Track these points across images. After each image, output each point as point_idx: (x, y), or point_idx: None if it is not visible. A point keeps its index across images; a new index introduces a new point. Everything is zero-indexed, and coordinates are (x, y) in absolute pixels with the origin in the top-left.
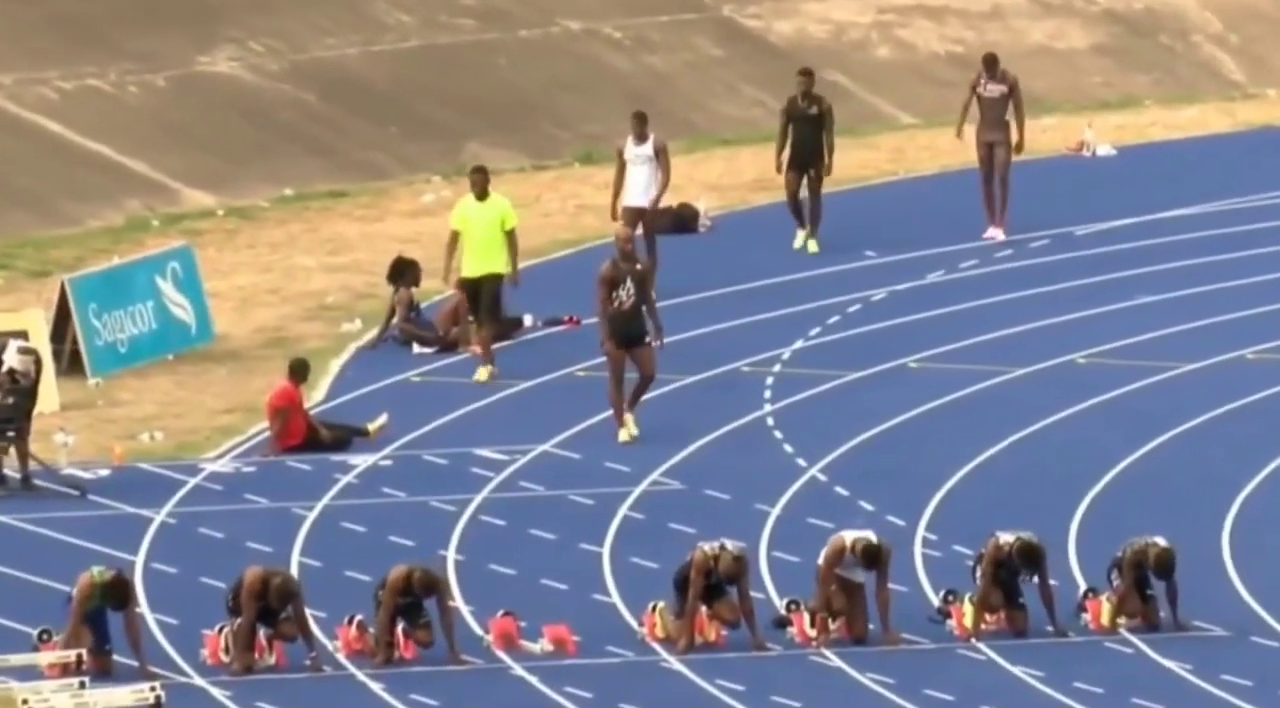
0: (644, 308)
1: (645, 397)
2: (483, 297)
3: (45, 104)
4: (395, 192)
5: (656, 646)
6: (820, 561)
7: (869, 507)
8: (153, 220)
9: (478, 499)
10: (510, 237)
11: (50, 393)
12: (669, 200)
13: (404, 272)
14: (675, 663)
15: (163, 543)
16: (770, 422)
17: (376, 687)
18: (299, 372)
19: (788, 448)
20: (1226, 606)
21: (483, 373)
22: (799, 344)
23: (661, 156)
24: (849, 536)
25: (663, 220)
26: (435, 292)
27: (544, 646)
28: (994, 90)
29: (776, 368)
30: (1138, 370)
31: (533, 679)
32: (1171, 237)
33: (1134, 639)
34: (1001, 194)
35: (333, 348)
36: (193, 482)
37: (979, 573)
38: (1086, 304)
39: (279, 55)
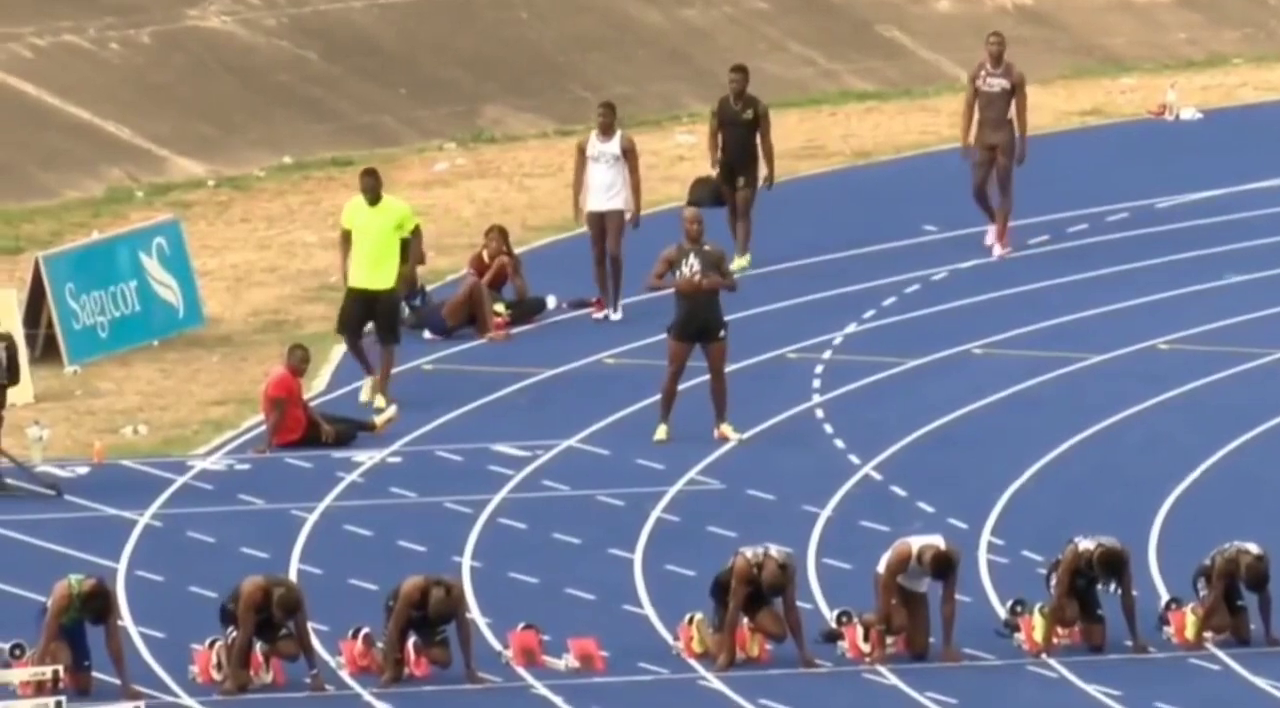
0: (718, 295)
1: (680, 388)
2: (378, 314)
3: (17, 63)
4: (405, 160)
5: (693, 662)
6: (880, 568)
7: (928, 508)
8: (136, 191)
9: (496, 500)
10: (409, 243)
11: (23, 382)
12: (709, 169)
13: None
14: (714, 681)
15: (147, 548)
16: (819, 414)
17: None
18: (298, 359)
19: (839, 443)
20: None
21: (375, 397)
22: (851, 329)
23: (629, 157)
24: (915, 542)
25: (700, 192)
26: (449, 270)
27: (569, 662)
28: (995, 84)
29: (826, 355)
30: (1226, 358)
31: (556, 699)
32: (1262, 210)
33: (1222, 655)
34: (1004, 206)
35: (335, 333)
36: (180, 480)
37: (1053, 582)
38: (1169, 285)
39: (276, 9)
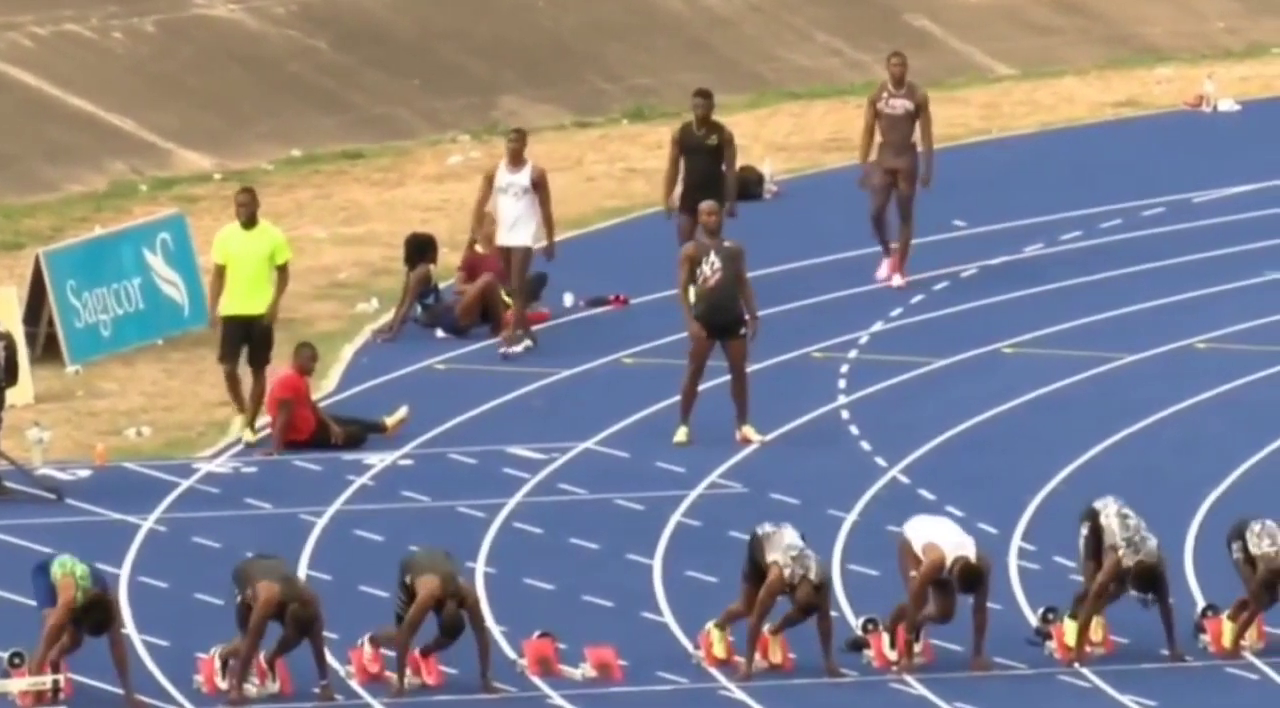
0: (737, 291)
1: (701, 388)
2: (253, 343)
3: (18, 53)
4: (418, 153)
5: (714, 670)
6: (912, 572)
7: (958, 512)
8: (140, 185)
9: (511, 504)
10: (282, 272)
11: (23, 383)
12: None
13: (423, 251)
14: (736, 691)
15: (151, 553)
16: (845, 415)
17: None
18: (305, 358)
19: (865, 445)
20: None
21: (246, 432)
22: (878, 327)
23: (541, 190)
24: (946, 547)
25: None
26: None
27: (586, 671)
28: (898, 107)
29: (852, 354)
30: (1265, 357)
31: None
32: None
33: (1260, 664)
34: (904, 235)
35: (345, 331)
36: (185, 484)
37: (1093, 590)
38: (1206, 281)
39: None
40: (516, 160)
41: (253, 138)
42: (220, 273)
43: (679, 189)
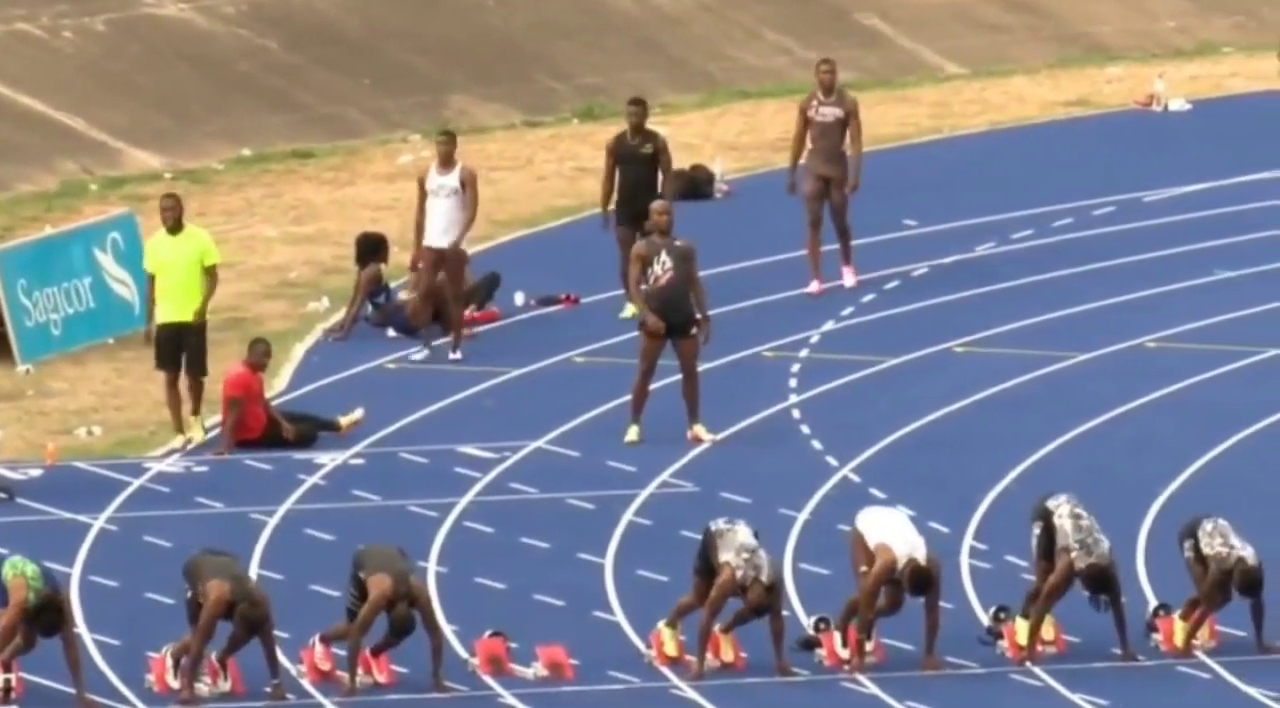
0: (688, 290)
1: (652, 387)
2: (187, 349)
3: None
4: (368, 152)
5: (665, 670)
6: (863, 568)
7: (909, 512)
8: (91, 184)
9: (462, 503)
10: (210, 275)
11: None
12: (683, 161)
13: (374, 250)
14: (687, 690)
15: (102, 553)
16: (796, 414)
17: None
18: (259, 354)
19: (816, 444)
20: None
21: (196, 429)
22: (829, 326)
23: (469, 189)
24: (898, 549)
25: (675, 185)
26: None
27: (537, 670)
28: (828, 114)
29: (803, 353)
30: (1215, 356)
31: None
32: (1253, 203)
33: (1211, 663)
34: (843, 241)
35: (296, 330)
36: (136, 483)
37: (1045, 590)
38: (1157, 281)
39: None
40: (447, 162)
41: (203, 137)
42: (152, 283)
43: (615, 199)
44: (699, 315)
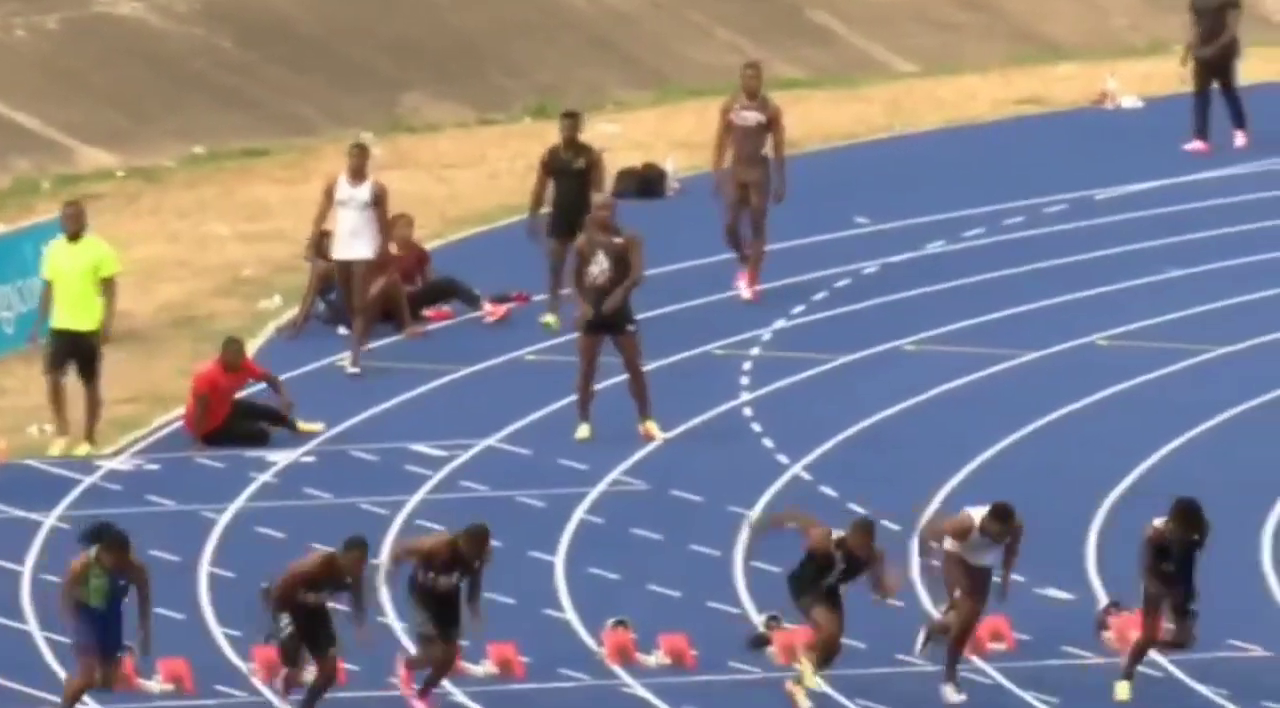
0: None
1: (603, 385)
2: (80, 359)
3: None
4: (322, 150)
5: (616, 668)
6: (935, 555)
7: (860, 509)
8: (43, 182)
9: (413, 501)
10: (108, 286)
11: None
12: (635, 159)
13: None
14: (638, 688)
15: (53, 551)
16: (747, 412)
17: None
18: (231, 353)
19: (767, 442)
20: (1268, 622)
21: (83, 445)
22: (780, 324)
23: (380, 206)
24: (973, 511)
25: (626, 183)
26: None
27: (488, 668)
28: (750, 118)
29: (755, 351)
30: (1166, 354)
31: (475, 706)
32: (1204, 202)
33: (1162, 661)
34: (756, 248)
35: (249, 328)
36: (88, 481)
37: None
38: (1108, 279)
39: None
40: (357, 175)
41: (157, 135)
42: (49, 290)
43: (551, 212)
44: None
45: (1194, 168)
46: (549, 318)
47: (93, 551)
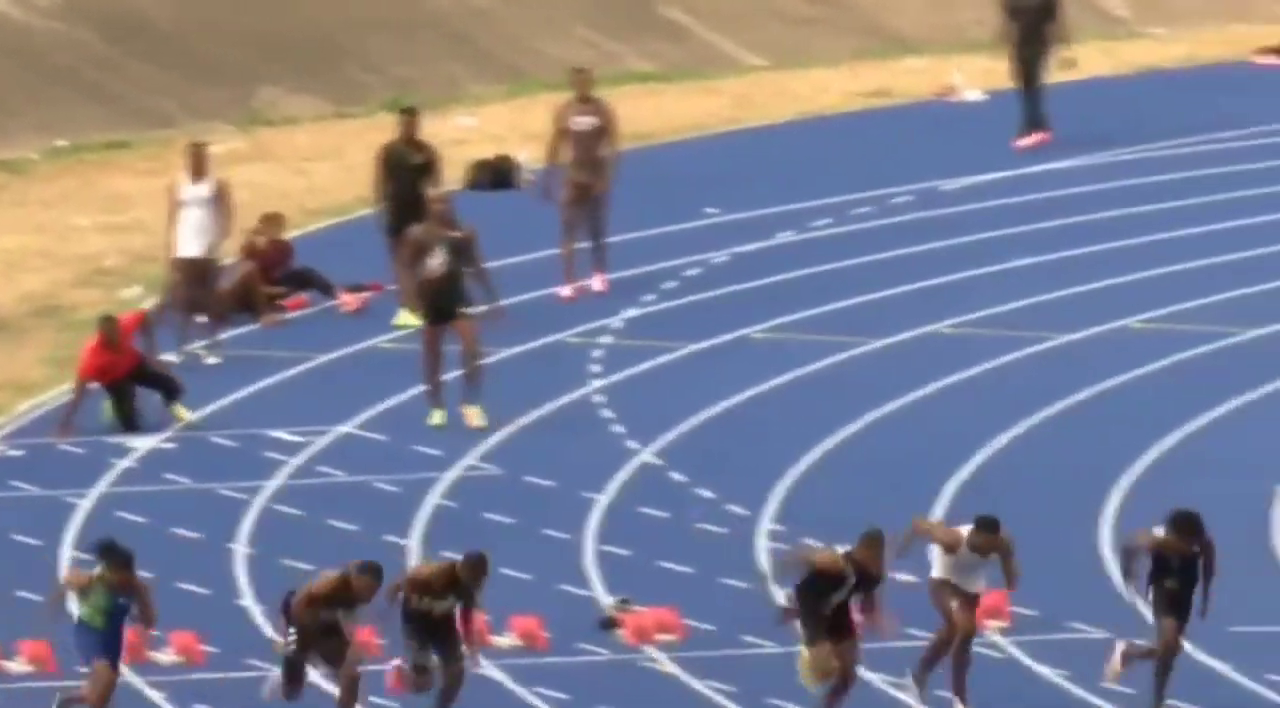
0: (462, 278)
1: (480, 364)
2: None
3: None
4: (180, 143)
5: (468, 649)
6: (934, 574)
7: (709, 494)
8: None
9: (271, 486)
10: None
11: None
12: (489, 151)
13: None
14: (490, 669)
15: None
16: (598, 400)
17: None
18: (109, 331)
19: (618, 429)
20: (1106, 605)
21: None
22: (631, 313)
23: (222, 202)
24: (961, 528)
25: (480, 174)
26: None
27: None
28: (585, 123)
29: (606, 339)
30: (1011, 341)
31: (332, 690)
32: (1047, 192)
33: (1003, 642)
34: (599, 246)
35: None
36: None
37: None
38: (954, 268)
39: None
40: (197, 173)
41: (19, 128)
42: None
43: (387, 208)
44: (487, 303)
45: (1037, 160)
46: (404, 317)
47: (97, 569)
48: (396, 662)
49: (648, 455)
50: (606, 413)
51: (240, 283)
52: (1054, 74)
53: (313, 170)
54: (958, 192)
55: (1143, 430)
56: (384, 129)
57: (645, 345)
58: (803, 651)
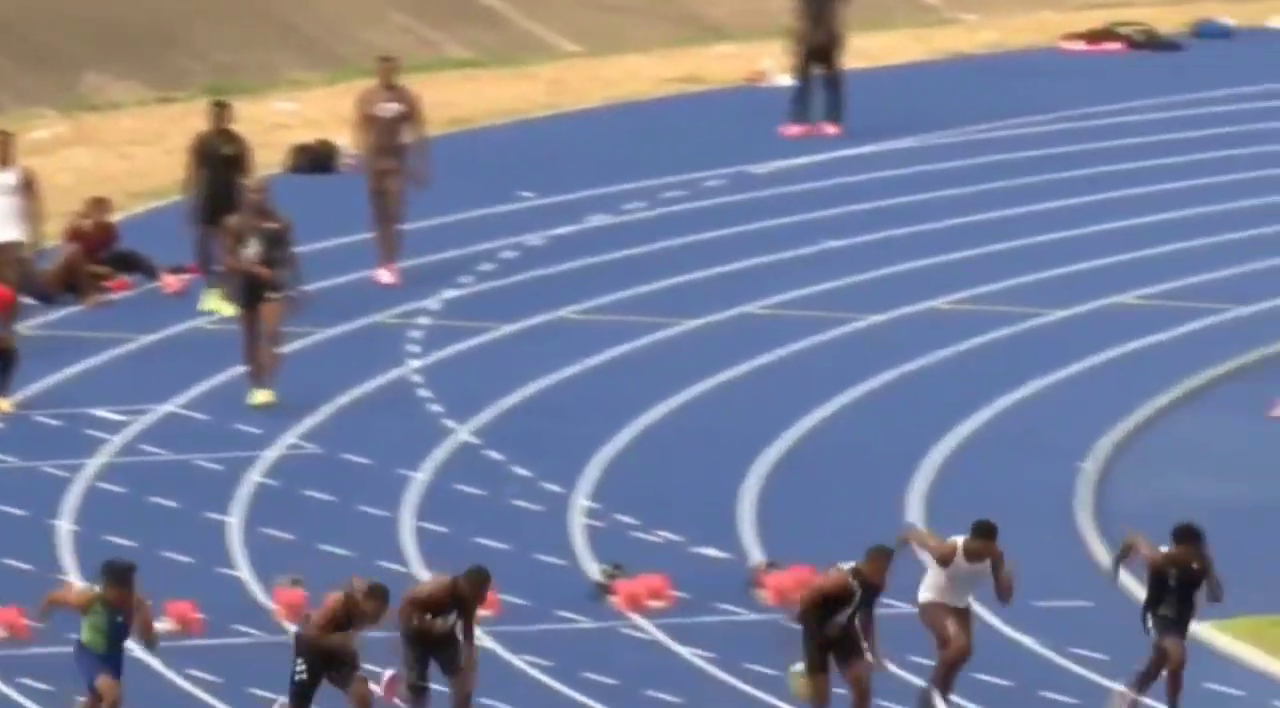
0: (275, 266)
1: (279, 350)
2: None
3: None
4: (6, 128)
5: (288, 624)
6: (921, 595)
7: (525, 472)
8: None
9: (94, 465)
10: None
11: None
12: (309, 136)
13: None
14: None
15: None
16: (416, 380)
17: None
18: None
19: (435, 408)
20: (913, 583)
21: None
22: (448, 294)
23: (29, 188)
24: (953, 537)
25: (300, 158)
26: (48, 238)
27: (166, 624)
28: (389, 110)
29: (423, 321)
30: (819, 323)
31: (153, 662)
32: (857, 176)
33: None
34: (394, 236)
35: None
36: None
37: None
38: (764, 250)
39: None
40: (4, 161)
41: None
42: None
43: (199, 198)
44: (291, 290)
45: (845, 145)
46: (211, 302)
47: (97, 587)
48: (392, 671)
49: (465, 434)
50: (424, 393)
51: (65, 265)
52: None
53: (136, 154)
54: (768, 176)
55: (949, 411)
56: (205, 114)
57: (462, 326)
58: (797, 671)
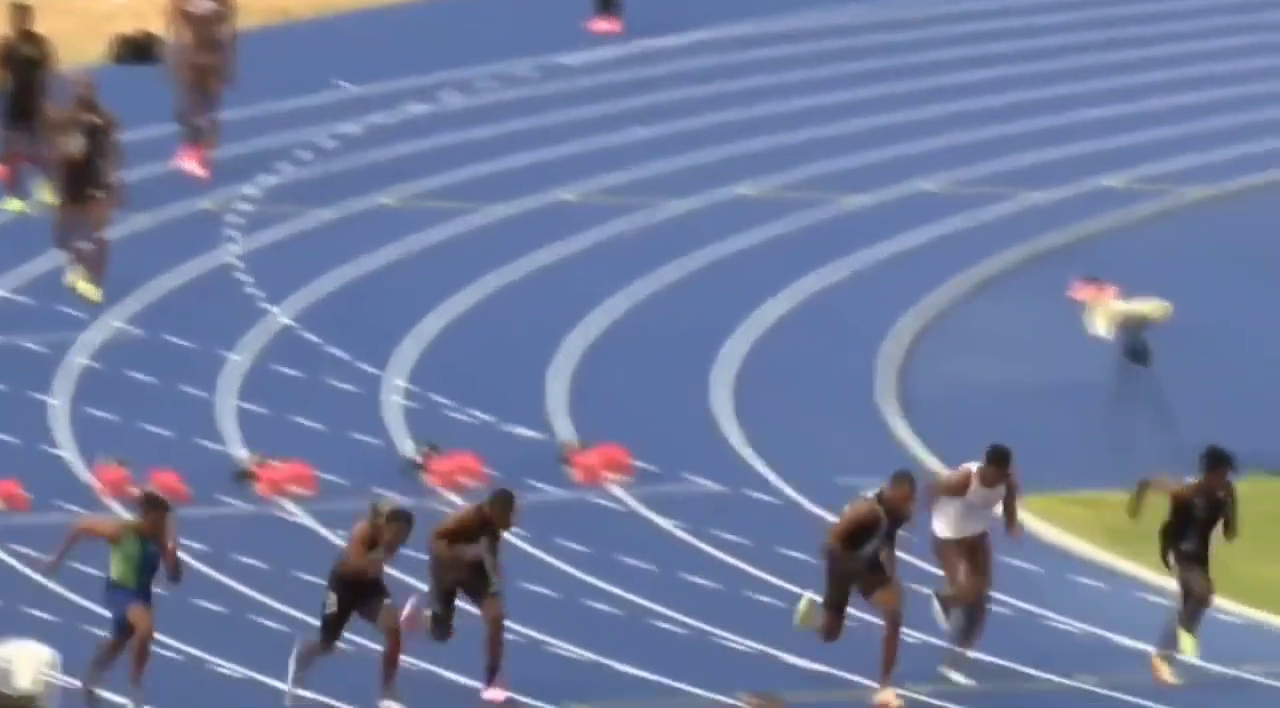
0: (98, 160)
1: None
2: None
3: None
4: None
5: (110, 501)
6: (936, 530)
7: (341, 354)
8: None
9: None
10: None
11: None
12: (133, 27)
13: None
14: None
15: None
16: (235, 264)
17: None
18: None
19: (254, 292)
20: (718, 460)
21: None
22: (269, 181)
23: None
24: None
25: (124, 49)
26: None
27: None
28: (204, 7)
29: (242, 207)
30: (628, 208)
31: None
32: (664, 67)
33: (623, 495)
34: (210, 128)
35: None
36: None
37: None
38: (577, 138)
39: None
40: None
41: None
42: None
43: (4, 101)
44: (107, 183)
45: (654, 33)
46: (13, 203)
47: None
48: (414, 599)
49: (283, 318)
50: (243, 276)
51: None
52: None
53: None
54: (579, 66)
55: (755, 294)
56: (7, 17)
57: (280, 212)
58: (810, 600)
